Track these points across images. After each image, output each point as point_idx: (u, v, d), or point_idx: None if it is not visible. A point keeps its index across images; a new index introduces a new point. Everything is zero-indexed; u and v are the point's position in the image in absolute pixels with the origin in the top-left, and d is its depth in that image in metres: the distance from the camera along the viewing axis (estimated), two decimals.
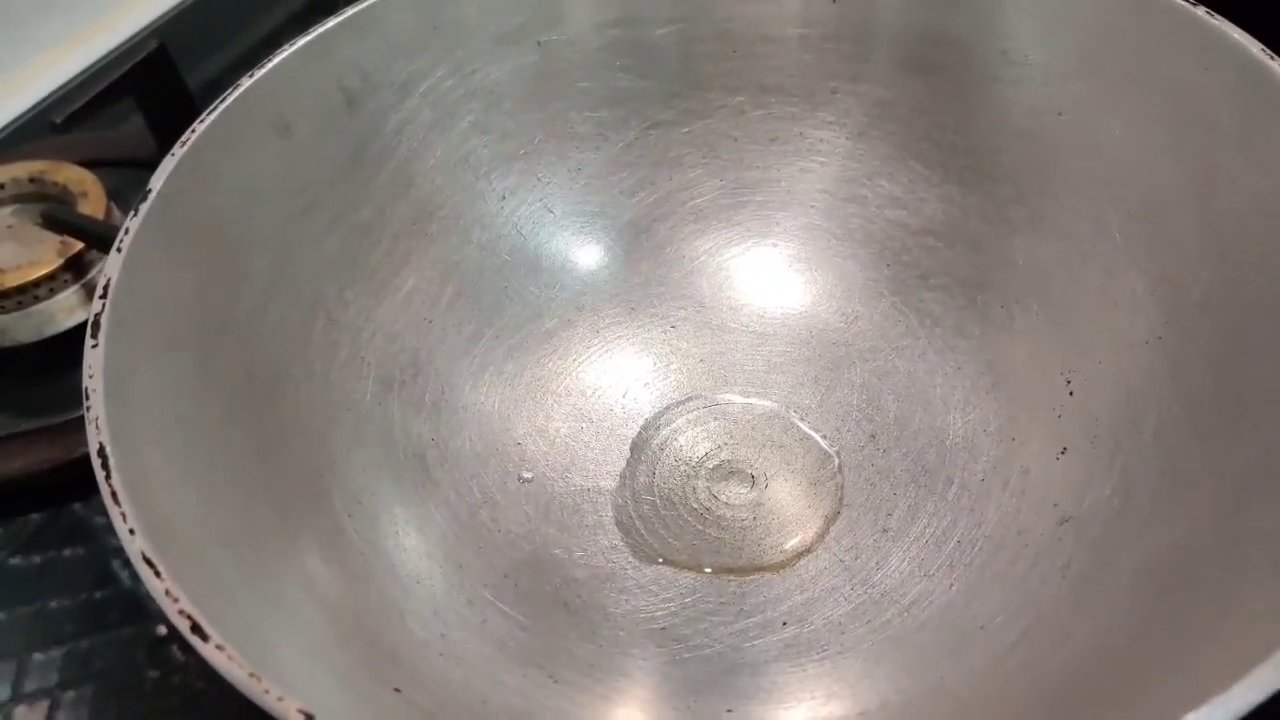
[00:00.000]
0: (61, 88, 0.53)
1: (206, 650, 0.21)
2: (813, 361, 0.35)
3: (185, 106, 0.44)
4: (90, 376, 0.24)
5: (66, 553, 0.36)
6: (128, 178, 0.45)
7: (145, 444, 0.25)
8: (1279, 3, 0.32)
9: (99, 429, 0.23)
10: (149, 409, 0.25)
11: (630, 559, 0.32)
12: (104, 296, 0.26)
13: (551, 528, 0.32)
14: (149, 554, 0.22)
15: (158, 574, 0.21)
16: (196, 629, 0.21)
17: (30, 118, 0.52)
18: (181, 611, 0.21)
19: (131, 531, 0.22)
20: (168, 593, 0.21)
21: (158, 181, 0.28)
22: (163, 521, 0.23)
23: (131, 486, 0.23)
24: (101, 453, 0.23)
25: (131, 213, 0.27)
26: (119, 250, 0.27)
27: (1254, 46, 0.28)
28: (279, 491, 0.28)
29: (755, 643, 0.30)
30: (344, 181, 0.32)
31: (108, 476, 0.23)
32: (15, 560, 0.36)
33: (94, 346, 0.25)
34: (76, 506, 0.37)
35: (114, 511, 0.22)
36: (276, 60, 0.31)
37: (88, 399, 0.24)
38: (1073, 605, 0.28)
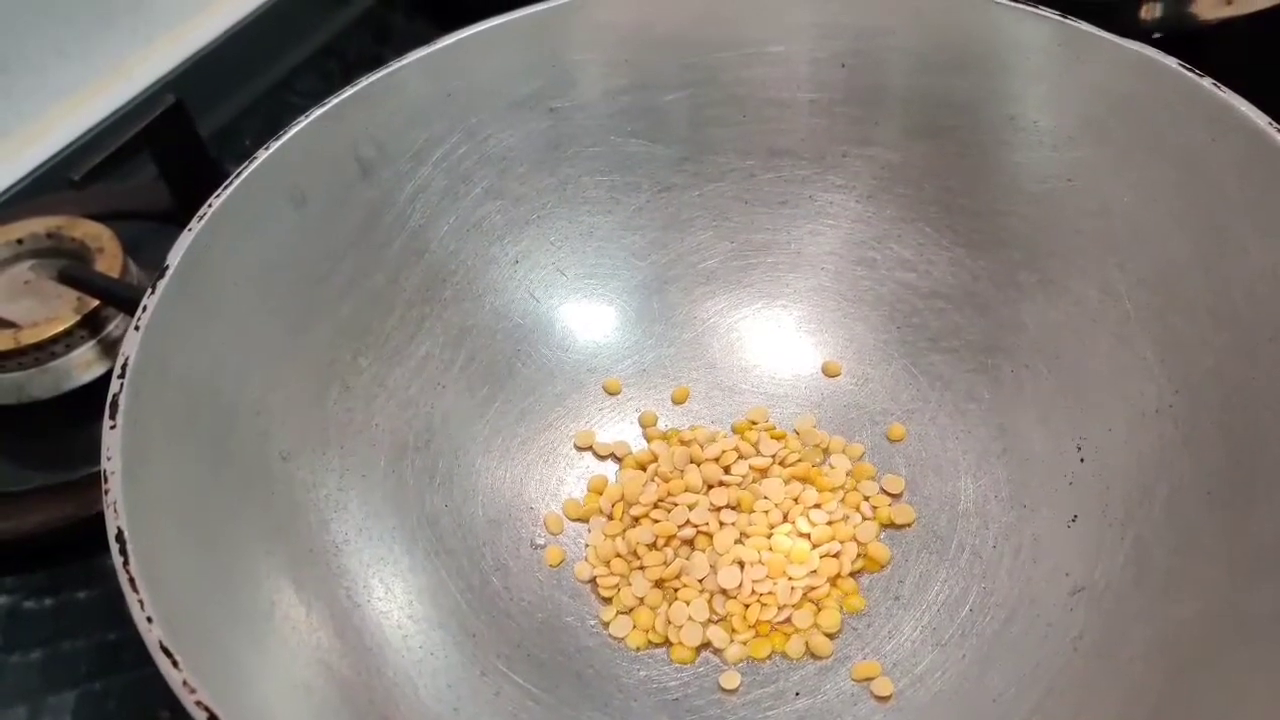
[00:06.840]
0: (79, 138, 0.53)
1: None
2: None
3: (201, 161, 0.44)
4: (109, 459, 0.25)
5: (81, 595, 0.36)
6: (144, 231, 0.45)
7: (162, 526, 0.25)
8: None
9: (117, 514, 0.24)
10: (166, 490, 0.26)
11: None
12: (122, 376, 0.26)
13: (564, 595, 0.32)
14: (166, 644, 0.22)
15: (175, 664, 0.22)
16: None
17: (48, 169, 0.52)
18: (199, 703, 0.21)
19: (149, 620, 0.22)
20: (185, 683, 0.21)
21: (174, 257, 0.28)
22: (179, 607, 0.23)
23: (149, 572, 0.23)
24: (120, 538, 0.23)
25: (149, 290, 0.28)
26: (136, 329, 0.27)
27: (1260, 119, 0.28)
28: (295, 568, 0.28)
29: (768, 714, 0.30)
30: (358, 249, 0.33)
31: (125, 563, 0.23)
32: (29, 603, 0.36)
33: (112, 428, 0.25)
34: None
35: (131, 599, 0.23)
36: (292, 131, 0.31)
37: (106, 482, 0.24)
38: (1085, 680, 0.28)
